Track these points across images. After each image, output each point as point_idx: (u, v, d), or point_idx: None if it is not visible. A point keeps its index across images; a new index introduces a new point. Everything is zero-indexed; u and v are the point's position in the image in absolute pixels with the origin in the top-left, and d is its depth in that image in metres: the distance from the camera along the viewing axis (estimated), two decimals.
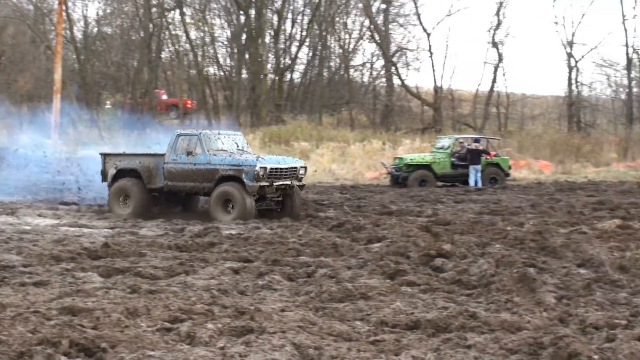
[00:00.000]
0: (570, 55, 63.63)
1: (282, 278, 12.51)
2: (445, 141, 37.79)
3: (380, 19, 64.70)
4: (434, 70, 62.95)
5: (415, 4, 63.87)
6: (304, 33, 64.84)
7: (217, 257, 14.47)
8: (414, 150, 45.11)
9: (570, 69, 63.87)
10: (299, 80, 69.51)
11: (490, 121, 63.81)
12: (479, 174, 35.43)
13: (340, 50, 67.54)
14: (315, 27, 64.95)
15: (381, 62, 66.75)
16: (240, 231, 18.30)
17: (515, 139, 53.28)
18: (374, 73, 69.65)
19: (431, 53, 63.94)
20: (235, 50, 61.82)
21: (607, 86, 70.41)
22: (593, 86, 71.69)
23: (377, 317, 9.58)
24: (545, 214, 22.01)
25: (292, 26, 66.85)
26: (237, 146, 22.46)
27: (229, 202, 20.82)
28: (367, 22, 64.96)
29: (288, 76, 66.53)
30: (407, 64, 68.36)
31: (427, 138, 51.01)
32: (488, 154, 36.00)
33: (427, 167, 36.04)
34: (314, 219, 21.11)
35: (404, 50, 66.79)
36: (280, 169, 21.40)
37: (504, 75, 65.48)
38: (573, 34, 63.95)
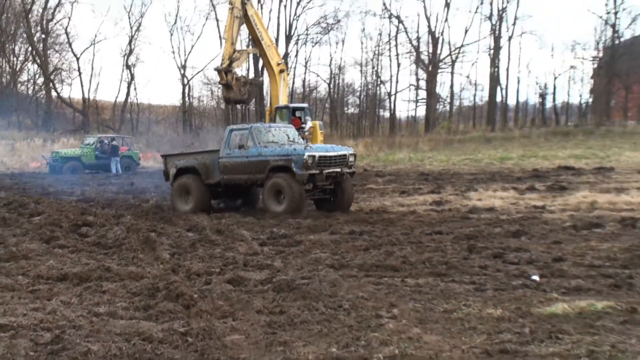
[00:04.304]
0: (183, 75, 65.41)
1: None
2: (90, 139, 37.66)
3: (40, 46, 63.34)
4: (82, 85, 65.62)
5: (67, 36, 65.19)
6: None
7: None
8: (67, 146, 44.12)
9: (184, 85, 65.81)
10: None
11: (126, 124, 64.81)
12: (119, 164, 35.60)
13: (10, 70, 65.30)
14: None
15: (42, 79, 65.20)
16: None
17: (144, 137, 53.97)
18: (37, 87, 68.01)
19: (80, 72, 65.65)
20: None
21: (211, 99, 72.23)
22: (201, 99, 73.86)
23: (35, 273, 9.25)
24: (166, 192, 22.16)
25: None
26: (288, 138, 17.78)
27: (280, 193, 16.31)
28: (30, 49, 63.40)
29: None
30: (62, 80, 69.03)
31: (78, 137, 50.24)
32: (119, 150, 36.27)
33: (77, 159, 35.77)
34: None
35: (60, 70, 66.63)
36: (330, 157, 16.69)
37: (135, 89, 66.29)
38: (186, 60, 69.15)
